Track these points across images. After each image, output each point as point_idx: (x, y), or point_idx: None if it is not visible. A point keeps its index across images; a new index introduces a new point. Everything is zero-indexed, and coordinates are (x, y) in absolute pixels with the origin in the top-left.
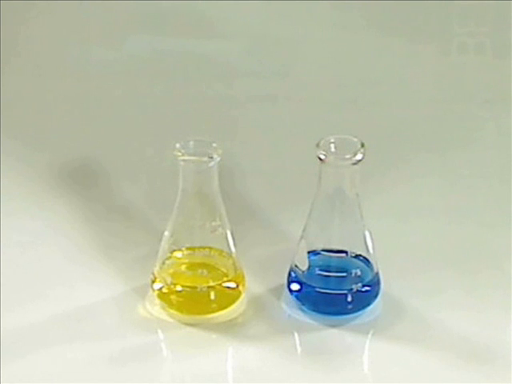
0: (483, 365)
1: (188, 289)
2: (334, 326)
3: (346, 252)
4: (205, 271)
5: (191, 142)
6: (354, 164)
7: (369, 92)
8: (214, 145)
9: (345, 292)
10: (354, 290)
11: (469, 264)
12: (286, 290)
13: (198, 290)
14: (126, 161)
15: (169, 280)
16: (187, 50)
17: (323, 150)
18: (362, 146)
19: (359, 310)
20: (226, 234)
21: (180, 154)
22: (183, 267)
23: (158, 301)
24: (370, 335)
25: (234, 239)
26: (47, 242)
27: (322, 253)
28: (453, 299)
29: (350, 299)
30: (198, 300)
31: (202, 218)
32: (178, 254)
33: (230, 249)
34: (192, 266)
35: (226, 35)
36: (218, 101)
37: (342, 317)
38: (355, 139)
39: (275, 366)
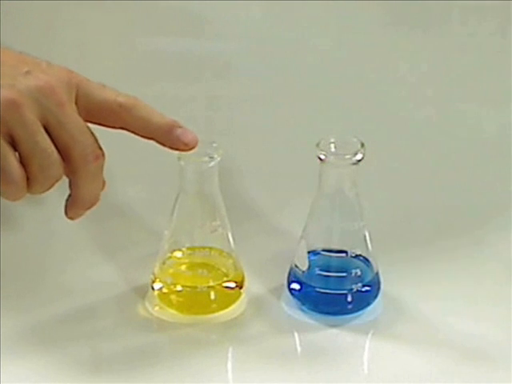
0: (483, 365)
1: (188, 289)
2: (333, 326)
3: (345, 252)
4: (205, 271)
5: None
6: (354, 164)
7: (369, 92)
8: (214, 145)
9: (345, 292)
10: (354, 290)
11: (470, 264)
12: (286, 290)
13: (198, 289)
14: (126, 161)
15: (169, 280)
16: (187, 50)
17: (323, 150)
18: (362, 145)
19: (359, 310)
20: (226, 234)
21: (180, 154)
22: (183, 267)
23: (157, 301)
24: (369, 335)
25: (234, 239)
26: (47, 241)
27: (322, 253)
28: (453, 299)
29: (350, 299)
30: (198, 300)
31: (202, 218)
32: (178, 254)
33: (230, 249)
34: (192, 266)
35: (226, 35)
36: (218, 101)
37: (341, 317)
38: (355, 139)
39: (275, 365)
